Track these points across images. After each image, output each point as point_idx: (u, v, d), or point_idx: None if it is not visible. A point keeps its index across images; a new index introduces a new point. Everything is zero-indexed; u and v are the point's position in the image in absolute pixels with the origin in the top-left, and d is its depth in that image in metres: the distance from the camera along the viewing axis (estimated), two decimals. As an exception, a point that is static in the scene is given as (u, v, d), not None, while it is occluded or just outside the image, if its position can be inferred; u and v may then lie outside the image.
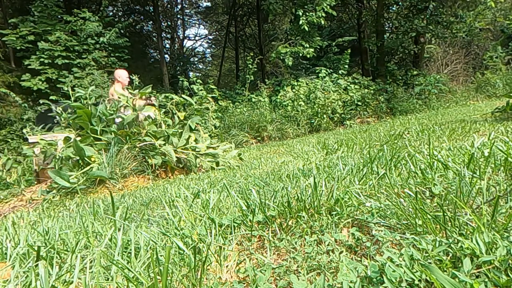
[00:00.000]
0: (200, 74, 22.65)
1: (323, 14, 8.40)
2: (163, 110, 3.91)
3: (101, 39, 9.72)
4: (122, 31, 10.62)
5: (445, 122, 3.72)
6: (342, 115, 8.58)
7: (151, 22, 17.40)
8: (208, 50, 24.41)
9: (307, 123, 8.28)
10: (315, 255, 0.80)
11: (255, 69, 9.85)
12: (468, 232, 0.74)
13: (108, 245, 0.98)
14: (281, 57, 8.90)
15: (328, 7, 8.37)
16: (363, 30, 12.48)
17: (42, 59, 8.96)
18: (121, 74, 5.15)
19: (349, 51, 9.65)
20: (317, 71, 9.69)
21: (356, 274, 0.67)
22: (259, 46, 13.33)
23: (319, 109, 8.28)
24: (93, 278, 0.74)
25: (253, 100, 9.00)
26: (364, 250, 0.81)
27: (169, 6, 18.69)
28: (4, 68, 9.92)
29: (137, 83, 3.85)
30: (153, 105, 3.92)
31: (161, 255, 0.86)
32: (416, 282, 0.61)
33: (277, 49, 9.07)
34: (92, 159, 3.11)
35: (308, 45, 8.89)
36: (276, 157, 3.29)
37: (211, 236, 0.95)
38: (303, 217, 0.99)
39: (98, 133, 3.34)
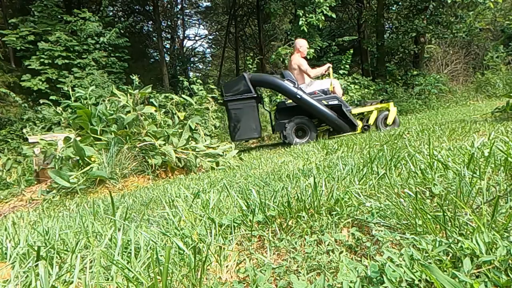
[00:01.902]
0: (200, 74, 22.66)
1: (323, 18, 8.40)
2: (163, 110, 3.91)
3: (101, 39, 9.70)
4: (122, 31, 10.60)
5: (445, 122, 3.72)
6: (342, 115, 8.55)
7: (151, 22, 17.40)
8: (208, 50, 24.43)
9: (307, 123, 8.26)
10: (315, 255, 0.80)
11: (255, 69, 9.85)
12: (468, 232, 0.74)
13: (108, 245, 0.98)
14: (282, 59, 8.89)
15: (328, 9, 8.36)
16: (363, 30, 12.49)
17: (42, 59, 8.95)
18: (302, 44, 5.06)
19: (352, 51, 9.63)
20: (317, 71, 9.66)
21: (356, 274, 0.67)
22: (259, 46, 13.34)
23: (319, 109, 8.27)
24: (93, 278, 0.74)
25: (253, 100, 8.97)
26: (364, 250, 0.81)
27: (169, 6, 18.69)
28: (4, 68, 9.92)
29: (137, 83, 3.85)
30: (153, 105, 3.92)
31: (161, 255, 0.86)
32: (416, 282, 0.60)
33: (277, 51, 9.06)
34: (92, 159, 3.11)
35: (308, 46, 8.89)
36: (276, 157, 3.29)
37: (211, 236, 0.95)
38: (303, 217, 0.99)
39: (98, 133, 3.34)
